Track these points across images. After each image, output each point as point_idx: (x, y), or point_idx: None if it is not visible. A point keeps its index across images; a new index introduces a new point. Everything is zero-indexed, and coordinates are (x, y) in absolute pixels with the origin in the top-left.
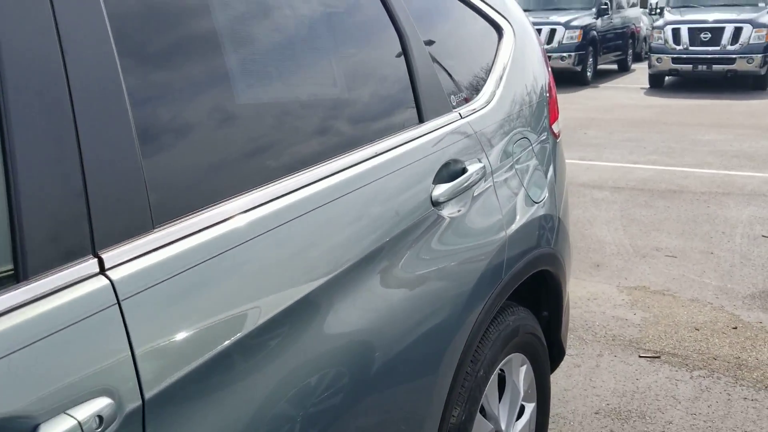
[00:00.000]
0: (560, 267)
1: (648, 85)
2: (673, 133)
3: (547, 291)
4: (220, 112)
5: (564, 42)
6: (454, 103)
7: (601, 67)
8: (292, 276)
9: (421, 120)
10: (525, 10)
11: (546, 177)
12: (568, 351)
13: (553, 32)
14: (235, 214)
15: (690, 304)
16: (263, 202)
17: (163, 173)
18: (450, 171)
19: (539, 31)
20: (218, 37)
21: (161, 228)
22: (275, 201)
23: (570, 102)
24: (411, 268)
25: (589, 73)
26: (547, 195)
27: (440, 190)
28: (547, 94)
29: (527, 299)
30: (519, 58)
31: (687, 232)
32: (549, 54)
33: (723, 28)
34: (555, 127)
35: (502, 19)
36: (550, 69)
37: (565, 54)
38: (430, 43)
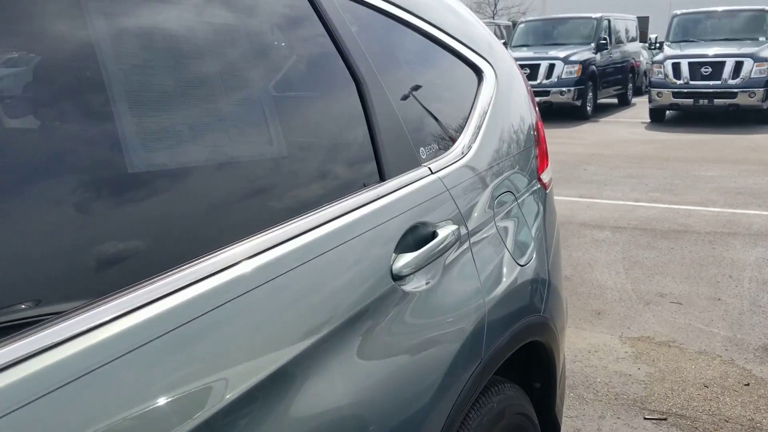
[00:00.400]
0: (552, 335)
1: (649, 120)
2: (675, 169)
3: (539, 361)
4: (104, 183)
5: (563, 77)
6: (424, 157)
7: (601, 101)
8: (195, 400)
9: (382, 178)
10: (524, 45)
11: (533, 235)
12: (567, 412)
13: (552, 67)
14: (124, 312)
15: (698, 357)
16: (165, 293)
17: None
18: (417, 236)
19: (538, 66)
20: (106, 84)
21: None
22: (180, 292)
23: (570, 137)
24: (370, 353)
25: (589, 108)
26: (534, 256)
27: (403, 260)
28: (536, 142)
29: (516, 369)
30: (502, 103)
31: (692, 276)
32: (548, 89)
33: (724, 63)
34: (545, 176)
35: (482, 60)
36: (538, 112)
37: (564, 88)
38: (395, 90)
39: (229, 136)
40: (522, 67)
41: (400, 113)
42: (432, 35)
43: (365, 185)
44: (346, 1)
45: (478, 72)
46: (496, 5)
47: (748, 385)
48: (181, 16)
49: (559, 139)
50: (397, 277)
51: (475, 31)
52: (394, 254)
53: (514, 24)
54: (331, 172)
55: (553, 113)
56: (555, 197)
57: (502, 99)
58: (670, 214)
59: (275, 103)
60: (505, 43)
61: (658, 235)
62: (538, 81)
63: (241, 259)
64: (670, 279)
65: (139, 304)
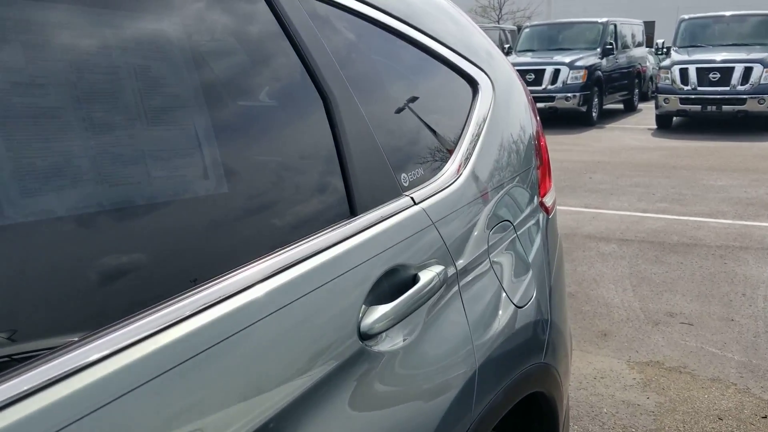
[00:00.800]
0: (554, 383)
1: (655, 126)
2: (683, 178)
3: (540, 411)
4: None
5: (568, 82)
6: (406, 184)
7: (607, 107)
8: None
9: (353, 213)
10: (528, 50)
11: (533, 270)
12: None
13: (557, 72)
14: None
15: (711, 384)
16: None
17: None
18: (394, 282)
19: (542, 71)
20: None
21: None
22: (98, 365)
23: (575, 143)
24: (335, 426)
25: (594, 114)
26: (534, 294)
27: (375, 315)
28: (537, 161)
29: (514, 418)
30: (499, 119)
31: (703, 294)
32: (553, 94)
33: (732, 68)
34: (547, 199)
35: (478, 70)
36: (540, 125)
37: (569, 94)
38: (373, 107)
39: (146, 169)
40: (526, 72)
41: (378, 134)
42: (420, 42)
43: (330, 223)
44: (314, 1)
45: (472, 83)
46: (501, 9)
47: (765, 417)
48: (83, 14)
49: (564, 145)
50: (367, 336)
51: (470, 38)
52: (363, 306)
53: (519, 28)
54: (286, 210)
55: (558, 119)
56: (559, 207)
57: (500, 113)
58: (679, 225)
59: (214, 125)
60: (510, 48)
61: (667, 248)
62: (543, 86)
63: (163, 325)
64: (680, 297)
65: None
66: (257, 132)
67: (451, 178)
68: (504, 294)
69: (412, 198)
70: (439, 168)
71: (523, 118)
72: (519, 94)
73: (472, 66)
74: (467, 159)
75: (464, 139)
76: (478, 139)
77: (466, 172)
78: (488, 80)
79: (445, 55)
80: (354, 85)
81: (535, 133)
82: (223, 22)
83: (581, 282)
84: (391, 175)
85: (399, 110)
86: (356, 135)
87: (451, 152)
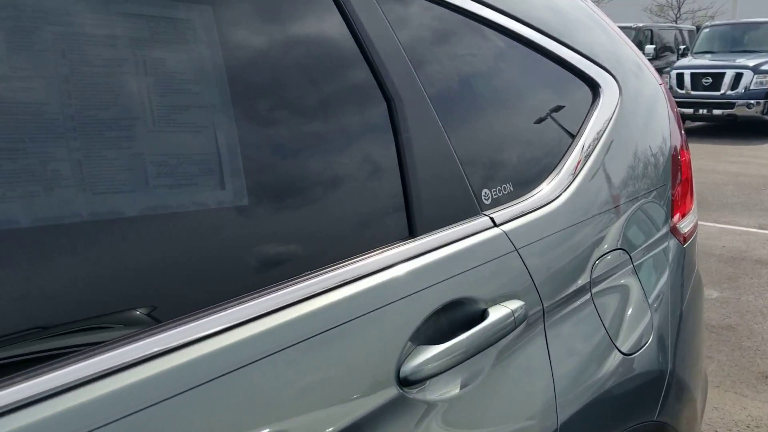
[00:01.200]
0: None
1: None
2: None
3: None
4: None
5: (751, 88)
6: (488, 202)
7: None
8: None
9: (411, 233)
10: (707, 52)
11: (653, 309)
12: None
13: (738, 77)
14: None
15: None
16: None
17: None
18: (456, 319)
19: (722, 75)
20: None
21: None
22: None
23: (755, 155)
24: None
25: None
26: (650, 339)
27: (422, 356)
28: (674, 178)
29: None
30: (626, 128)
31: None
32: (733, 100)
33: None
34: (684, 224)
35: (602, 71)
36: (685, 137)
37: (752, 101)
38: (453, 109)
39: (145, 178)
40: (703, 75)
41: (458, 144)
42: (522, 36)
43: (379, 245)
44: None
45: (593, 86)
46: (679, 9)
47: None
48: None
49: (742, 157)
50: (408, 382)
51: (618, 48)
52: (409, 344)
53: (698, 28)
54: (322, 228)
55: (737, 128)
56: (728, 226)
57: (628, 122)
58: None
59: (237, 127)
60: (686, 49)
61: None
62: (722, 92)
63: (153, 352)
64: None
65: None
66: (295, 139)
67: (549, 197)
68: (607, 337)
69: (491, 218)
70: (535, 185)
71: (664, 131)
72: (662, 107)
73: (592, 64)
74: (575, 174)
75: (573, 152)
76: (592, 151)
77: (572, 189)
78: (615, 84)
79: (552, 50)
80: (432, 87)
81: (677, 147)
82: (267, 9)
83: (744, 313)
84: (468, 190)
85: (495, 119)
86: (425, 144)
87: (554, 165)
